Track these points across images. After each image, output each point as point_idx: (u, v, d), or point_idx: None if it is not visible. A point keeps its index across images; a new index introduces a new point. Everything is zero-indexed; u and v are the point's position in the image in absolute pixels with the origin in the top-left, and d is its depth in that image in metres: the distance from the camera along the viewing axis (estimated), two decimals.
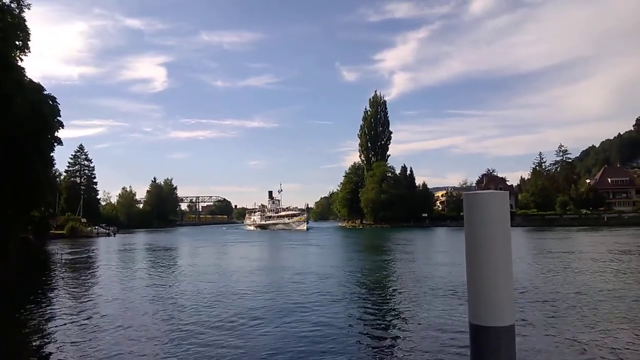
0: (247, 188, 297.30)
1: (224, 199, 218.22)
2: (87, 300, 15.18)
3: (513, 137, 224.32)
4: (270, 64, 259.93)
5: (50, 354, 9.11)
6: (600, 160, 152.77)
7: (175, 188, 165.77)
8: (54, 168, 64.24)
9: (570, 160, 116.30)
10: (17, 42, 41.08)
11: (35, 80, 50.15)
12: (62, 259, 31.59)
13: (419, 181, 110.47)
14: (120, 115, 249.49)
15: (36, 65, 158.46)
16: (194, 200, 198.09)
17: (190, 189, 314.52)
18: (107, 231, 79.42)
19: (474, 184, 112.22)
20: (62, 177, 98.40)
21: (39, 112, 43.61)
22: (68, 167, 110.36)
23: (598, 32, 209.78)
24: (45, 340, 10.16)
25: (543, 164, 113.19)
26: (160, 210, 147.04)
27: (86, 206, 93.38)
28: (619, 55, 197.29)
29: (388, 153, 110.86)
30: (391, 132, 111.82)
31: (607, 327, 10.01)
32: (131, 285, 19.00)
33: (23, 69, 42.98)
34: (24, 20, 41.77)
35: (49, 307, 14.01)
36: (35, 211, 56.09)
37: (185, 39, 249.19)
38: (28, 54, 42.59)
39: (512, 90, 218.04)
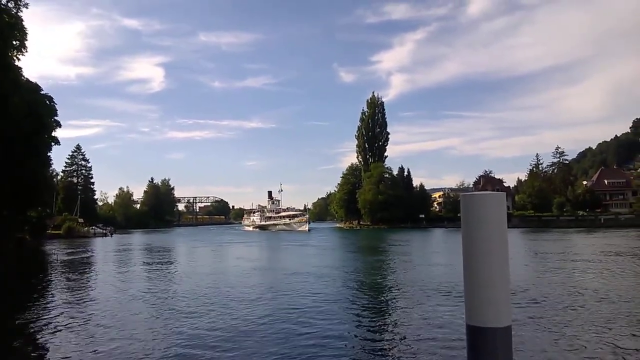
0: (244, 189, 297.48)
1: (221, 200, 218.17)
2: (82, 301, 15.12)
3: (510, 138, 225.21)
4: (268, 65, 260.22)
5: (45, 354, 9.08)
6: (597, 161, 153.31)
7: (173, 188, 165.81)
8: (51, 168, 64.26)
9: (567, 162, 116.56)
10: (14, 42, 41.00)
11: (32, 80, 50.11)
12: (57, 260, 31.42)
13: (416, 182, 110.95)
14: (117, 115, 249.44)
15: (33, 65, 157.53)
16: (191, 200, 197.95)
17: (188, 190, 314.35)
18: (104, 231, 79.27)
19: (471, 185, 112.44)
20: (59, 177, 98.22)
21: (35, 112, 43.49)
22: (65, 167, 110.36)
23: (595, 34, 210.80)
24: (40, 341, 10.11)
25: (540, 166, 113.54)
26: (158, 210, 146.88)
27: (83, 206, 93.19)
28: (615, 57, 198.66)
29: (385, 154, 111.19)
30: (388, 133, 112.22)
31: (603, 328, 10.04)
32: (127, 286, 18.93)
33: (20, 68, 42.95)
34: (21, 20, 41.69)
35: (43, 308, 13.95)
36: (32, 211, 55.99)
37: (183, 40, 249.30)
38: (25, 53, 42.57)
39: (509, 92, 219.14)
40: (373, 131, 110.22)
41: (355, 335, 10.18)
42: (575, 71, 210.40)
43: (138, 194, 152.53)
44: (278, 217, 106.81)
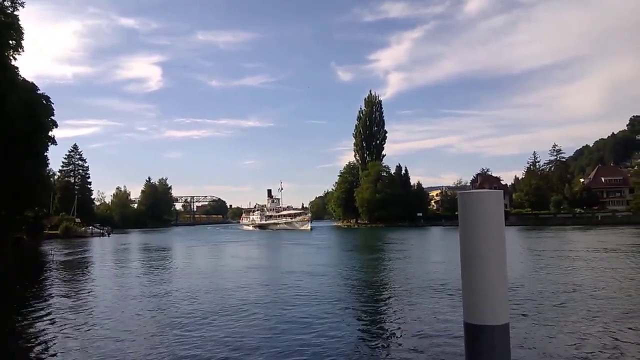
0: (242, 188, 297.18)
1: (219, 199, 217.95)
2: (79, 302, 15.07)
3: (507, 136, 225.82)
4: (266, 64, 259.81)
5: (44, 355, 9.05)
6: (594, 159, 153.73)
7: (170, 188, 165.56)
8: (47, 168, 63.99)
9: (564, 160, 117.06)
10: (10, 41, 40.80)
11: (29, 79, 49.97)
12: (54, 260, 31.32)
13: (413, 181, 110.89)
14: (114, 114, 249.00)
15: (30, 64, 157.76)
16: (188, 200, 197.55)
17: (185, 189, 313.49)
18: (101, 231, 79.05)
19: (468, 184, 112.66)
20: (56, 177, 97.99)
21: (32, 111, 43.31)
22: (62, 166, 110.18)
23: (592, 32, 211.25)
24: (38, 341, 10.07)
25: (537, 164, 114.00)
26: (155, 210, 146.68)
27: (80, 206, 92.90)
28: (612, 55, 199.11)
29: (383, 153, 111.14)
30: (386, 132, 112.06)
31: (601, 324, 10.08)
32: (124, 286, 18.92)
33: (17, 68, 42.78)
34: (18, 19, 41.46)
35: (41, 308, 13.89)
36: (29, 211, 55.86)
37: (180, 39, 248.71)
38: (22, 53, 42.40)
39: (506, 90, 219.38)
40: (371, 130, 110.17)
41: (352, 333, 10.18)
42: (572, 69, 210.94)
43: (135, 193, 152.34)
44: (279, 216, 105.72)
